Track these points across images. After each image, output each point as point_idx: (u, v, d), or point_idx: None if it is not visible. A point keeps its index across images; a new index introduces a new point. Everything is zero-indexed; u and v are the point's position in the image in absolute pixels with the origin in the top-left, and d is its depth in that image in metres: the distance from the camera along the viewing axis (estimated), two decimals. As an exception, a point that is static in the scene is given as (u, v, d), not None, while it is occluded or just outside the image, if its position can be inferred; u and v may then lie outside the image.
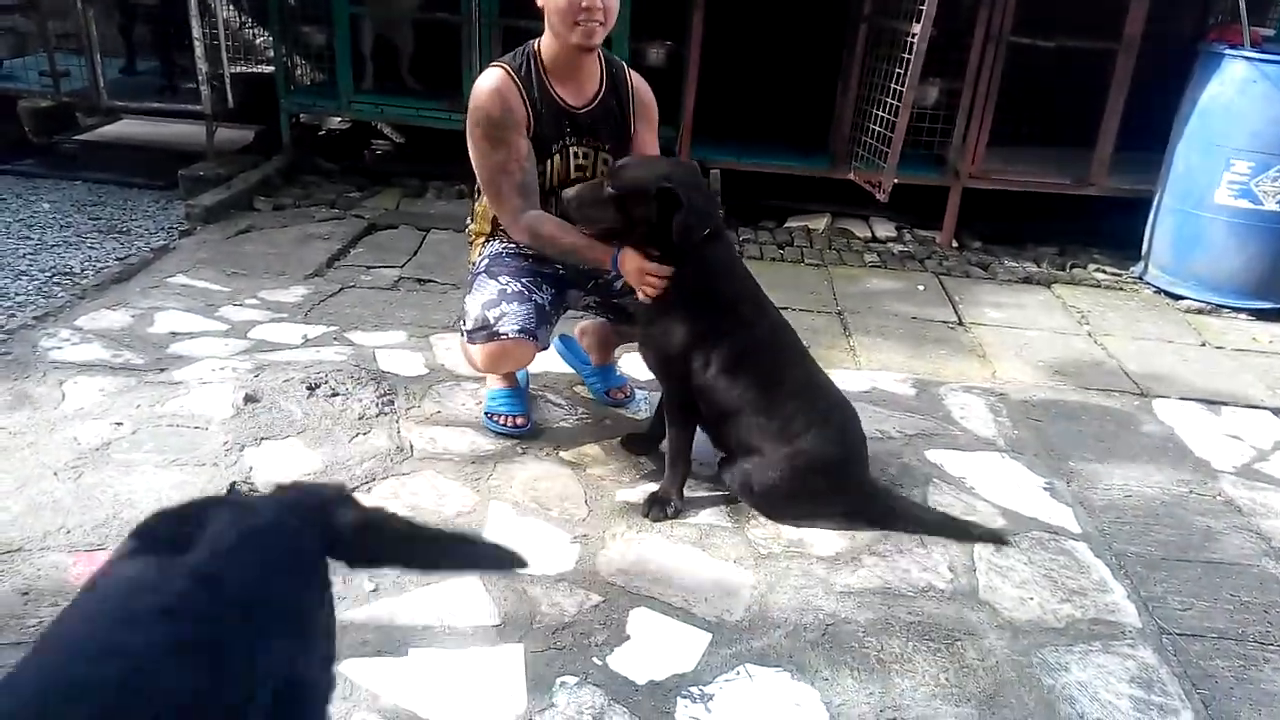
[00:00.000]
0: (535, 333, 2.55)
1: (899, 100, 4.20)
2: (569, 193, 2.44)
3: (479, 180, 2.59)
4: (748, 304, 2.41)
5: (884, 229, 5.11)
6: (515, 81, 2.49)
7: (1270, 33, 4.49)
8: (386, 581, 2.10)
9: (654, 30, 5.09)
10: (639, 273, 2.35)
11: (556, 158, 2.58)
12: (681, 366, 2.37)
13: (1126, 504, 2.66)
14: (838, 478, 2.40)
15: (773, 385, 2.36)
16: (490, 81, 2.48)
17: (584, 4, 2.38)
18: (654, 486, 2.53)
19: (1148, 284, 4.52)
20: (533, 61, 2.52)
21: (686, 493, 2.50)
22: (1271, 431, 3.17)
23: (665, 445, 2.52)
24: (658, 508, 2.42)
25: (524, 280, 2.59)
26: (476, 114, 2.49)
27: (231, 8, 6.02)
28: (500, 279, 2.58)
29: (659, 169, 2.36)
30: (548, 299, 2.62)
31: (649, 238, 2.33)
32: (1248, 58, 4.03)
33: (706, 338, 2.34)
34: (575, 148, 2.60)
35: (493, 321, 2.52)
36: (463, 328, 2.64)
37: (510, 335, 2.51)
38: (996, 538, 2.41)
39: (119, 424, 2.61)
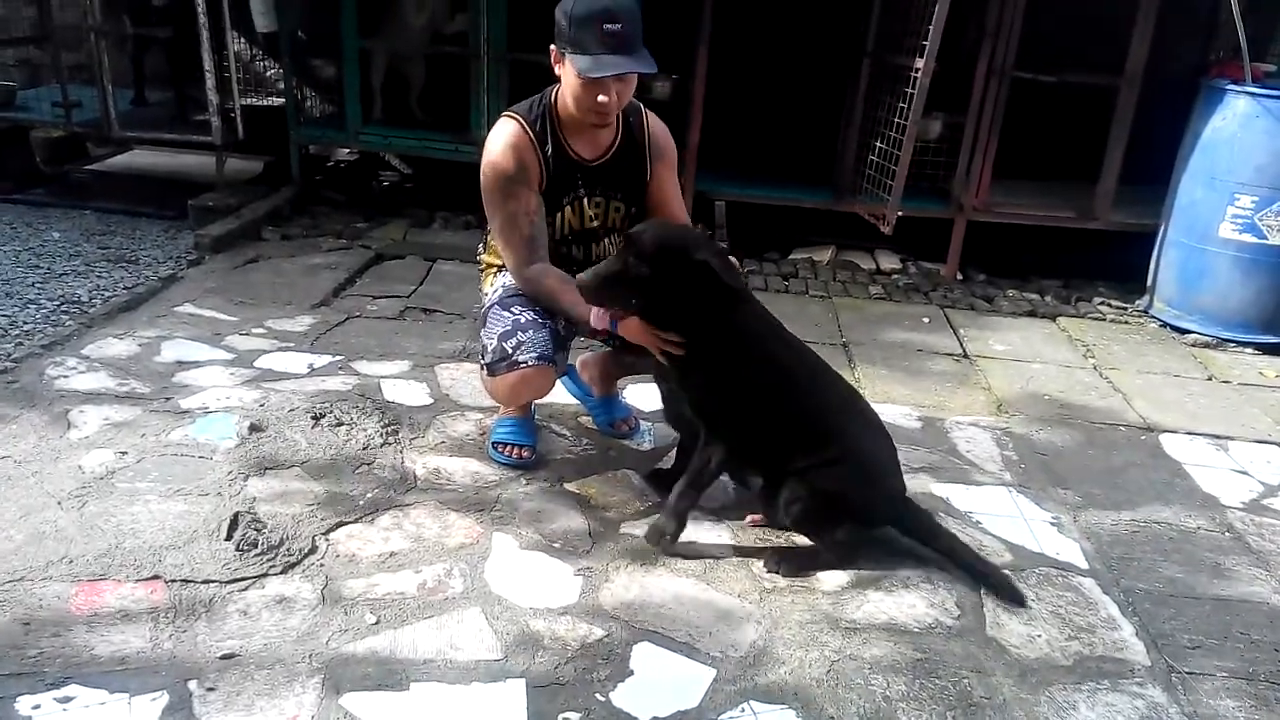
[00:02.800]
0: (554, 358, 2.55)
1: (903, 134, 4.22)
2: (584, 277, 2.27)
3: (492, 230, 2.61)
4: (777, 349, 2.38)
5: (888, 261, 5.12)
6: (529, 135, 2.49)
7: (1271, 68, 4.52)
8: (388, 613, 2.09)
9: (659, 64, 5.12)
10: (648, 337, 2.31)
11: (568, 209, 2.59)
12: (722, 416, 2.34)
13: (1134, 539, 2.64)
14: (884, 486, 2.41)
15: (814, 414, 2.36)
16: (504, 136, 2.48)
17: (598, 105, 2.39)
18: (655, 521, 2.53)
19: (1153, 318, 4.52)
20: (549, 115, 2.52)
21: (693, 527, 2.48)
22: (1279, 467, 3.15)
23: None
24: (655, 534, 2.38)
25: (536, 309, 2.59)
26: (489, 167, 2.49)
27: (243, 40, 6.09)
28: (513, 309, 2.59)
29: (684, 239, 2.28)
30: (561, 325, 2.63)
31: (671, 311, 2.26)
32: (1250, 93, 4.05)
33: (741, 387, 2.31)
34: (587, 198, 2.61)
35: (511, 351, 2.52)
36: (482, 361, 2.63)
37: (530, 363, 2.51)
38: (1015, 597, 2.31)
39: (124, 453, 2.61)
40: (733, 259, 2.42)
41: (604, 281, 2.25)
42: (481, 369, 2.66)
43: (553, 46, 2.43)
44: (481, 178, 2.54)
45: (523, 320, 2.56)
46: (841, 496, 2.32)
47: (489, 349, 2.58)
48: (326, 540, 2.33)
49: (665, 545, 2.37)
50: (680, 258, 2.19)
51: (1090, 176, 4.84)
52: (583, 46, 2.31)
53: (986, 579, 2.35)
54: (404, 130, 5.39)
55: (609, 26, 2.29)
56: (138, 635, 1.97)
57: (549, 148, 2.51)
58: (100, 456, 2.59)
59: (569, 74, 2.39)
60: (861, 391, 3.42)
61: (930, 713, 1.94)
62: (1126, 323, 4.51)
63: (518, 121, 2.50)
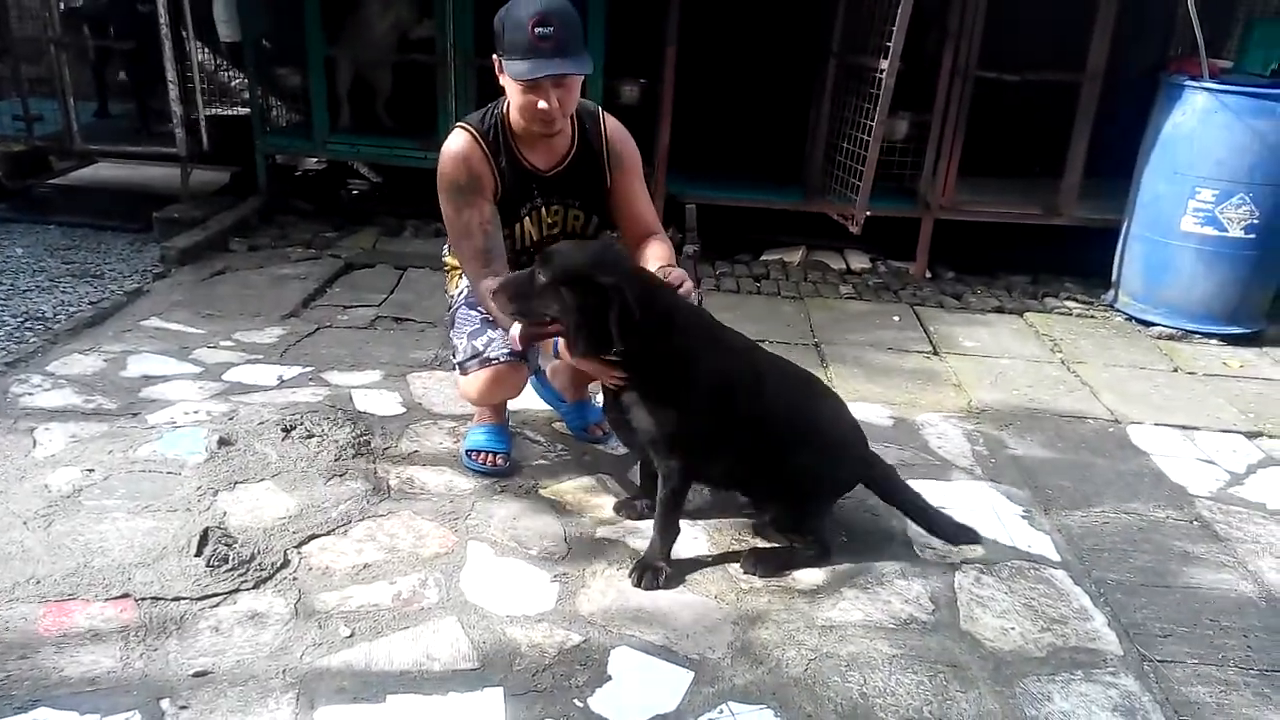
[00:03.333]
0: (524, 355, 2.54)
1: (869, 134, 4.26)
2: (489, 283, 2.26)
3: (449, 238, 2.60)
4: (718, 364, 2.25)
5: (858, 261, 5.16)
6: (481, 146, 2.47)
7: (1228, 64, 4.60)
8: (363, 626, 2.08)
9: (627, 68, 5.15)
10: (589, 364, 2.24)
11: (526, 220, 2.58)
12: (679, 442, 2.24)
13: (1104, 531, 2.68)
14: (850, 454, 2.47)
15: (771, 415, 2.32)
16: (456, 146, 2.47)
17: (539, 112, 2.36)
18: (633, 524, 2.53)
19: (1119, 311, 4.58)
20: (500, 126, 2.50)
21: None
22: (1245, 455, 3.20)
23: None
24: (649, 575, 2.27)
25: None
26: (443, 179, 2.48)
27: (206, 50, 6.04)
28: (480, 308, 2.58)
29: (589, 256, 2.15)
30: None
31: (594, 337, 2.11)
32: (1208, 89, 4.12)
33: (694, 412, 2.21)
34: (544, 208, 2.60)
35: (482, 349, 2.52)
36: (453, 361, 2.62)
37: (502, 359, 2.50)
38: (970, 538, 2.54)
39: (90, 470, 2.58)
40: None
41: (514, 291, 2.16)
42: (453, 370, 2.65)
43: (494, 56, 2.41)
44: (438, 190, 2.52)
45: (491, 317, 2.55)
46: (817, 487, 2.40)
47: (459, 349, 2.58)
48: (299, 553, 2.31)
49: (661, 583, 2.27)
50: (585, 283, 2.07)
51: (1055, 173, 4.90)
52: (517, 51, 2.30)
53: (939, 529, 2.53)
54: (372, 138, 5.37)
55: (541, 30, 2.26)
56: (108, 655, 1.94)
57: (502, 159, 2.49)
58: (67, 474, 2.55)
59: (509, 80, 2.37)
60: (834, 390, 3.45)
61: (907, 708, 1.95)
62: (1093, 317, 4.57)
63: (469, 132, 2.48)
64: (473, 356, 2.53)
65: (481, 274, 2.47)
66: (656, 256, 2.53)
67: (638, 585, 2.27)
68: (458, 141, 2.48)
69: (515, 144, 2.51)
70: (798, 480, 2.35)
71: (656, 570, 2.29)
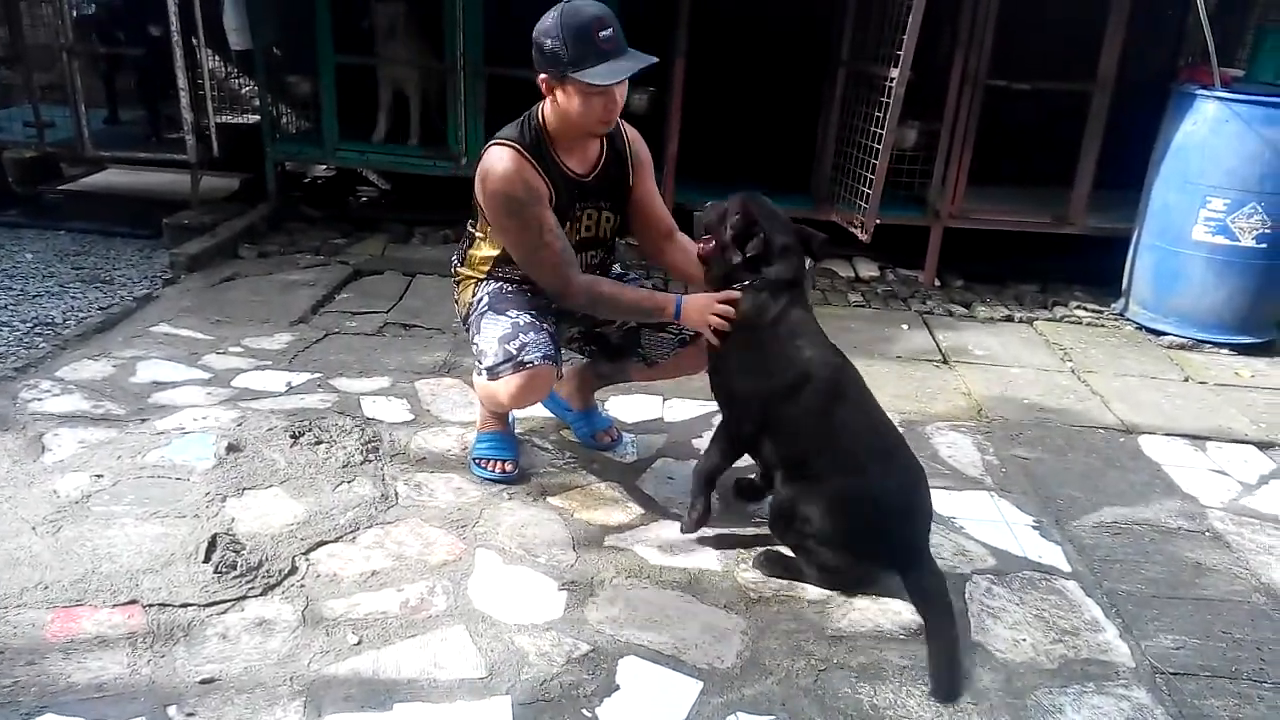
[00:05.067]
0: (557, 359, 2.54)
1: (879, 142, 4.25)
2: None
3: (517, 259, 2.56)
4: (815, 346, 2.37)
5: (867, 269, 5.15)
6: (529, 159, 2.46)
7: (1239, 73, 4.58)
8: (370, 633, 2.07)
9: (637, 77, 5.14)
10: (705, 312, 2.42)
11: (567, 224, 2.58)
12: (744, 403, 2.40)
13: (1116, 542, 2.66)
14: (895, 523, 2.25)
15: (838, 427, 2.29)
16: (505, 163, 2.44)
17: (605, 112, 2.41)
18: (642, 531, 2.53)
19: (1129, 320, 4.56)
20: (541, 137, 2.50)
21: (672, 536, 2.50)
22: (1257, 466, 3.18)
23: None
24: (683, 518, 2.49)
25: (531, 312, 2.57)
26: (498, 197, 2.45)
27: (217, 58, 6.07)
28: (509, 313, 2.57)
29: (758, 206, 2.50)
30: (555, 328, 2.63)
31: (730, 266, 2.45)
32: (1220, 98, 4.11)
33: (771, 376, 2.34)
34: (584, 213, 2.61)
35: (516, 353, 2.49)
36: (480, 366, 2.58)
37: (536, 362, 2.48)
38: (947, 694, 2.02)
39: (99, 476, 2.58)
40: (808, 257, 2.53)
41: (717, 217, 2.53)
42: (479, 375, 2.62)
43: (543, 76, 2.40)
44: (491, 211, 2.50)
45: (522, 323, 2.53)
46: (821, 517, 2.24)
47: (488, 353, 2.53)
48: (307, 560, 2.31)
49: (688, 526, 2.49)
50: (750, 228, 2.42)
51: (1065, 182, 4.89)
52: (587, 61, 2.31)
53: (941, 666, 2.07)
54: (382, 146, 5.38)
55: (604, 33, 2.31)
56: (115, 661, 1.94)
57: (549, 168, 2.49)
58: (75, 480, 2.55)
59: (574, 93, 2.37)
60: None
61: (918, 719, 1.94)
62: (1103, 326, 4.55)
63: (513, 148, 2.46)
64: (505, 360, 2.50)
65: (571, 275, 2.50)
66: (693, 254, 2.64)
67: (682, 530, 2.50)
68: (505, 158, 2.44)
69: (555, 150, 2.52)
70: (806, 499, 2.27)
71: (684, 516, 2.50)
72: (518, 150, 2.46)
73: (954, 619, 2.16)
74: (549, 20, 2.35)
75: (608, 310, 2.62)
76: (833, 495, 2.24)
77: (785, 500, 2.33)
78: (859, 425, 2.33)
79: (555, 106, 2.45)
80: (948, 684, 2.02)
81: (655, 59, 2.41)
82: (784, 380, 2.32)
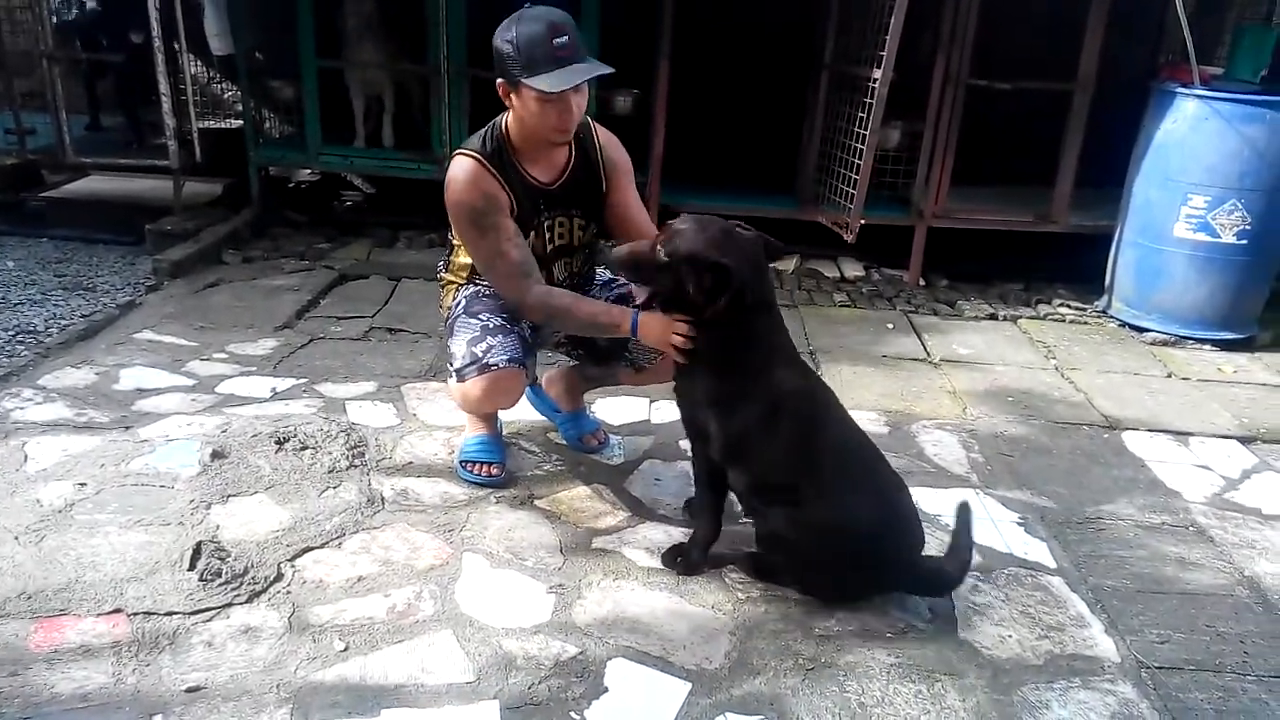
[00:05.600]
0: (523, 361, 2.54)
1: (863, 143, 4.27)
2: (618, 251, 2.35)
3: (479, 269, 2.58)
4: (785, 369, 2.27)
5: (852, 269, 5.16)
6: (489, 169, 2.46)
7: (1218, 71, 4.62)
8: (357, 639, 2.06)
9: (621, 79, 5.13)
10: (666, 331, 2.28)
11: (533, 234, 2.57)
12: (707, 425, 2.26)
13: (1100, 537, 2.67)
14: (881, 549, 2.21)
15: (811, 451, 2.20)
16: (465, 173, 2.45)
17: (561, 120, 2.39)
18: (630, 534, 2.53)
19: (1112, 317, 4.59)
20: (502, 146, 2.50)
21: (660, 538, 2.49)
22: (1239, 461, 3.20)
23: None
24: (682, 560, 2.38)
25: (503, 315, 2.59)
26: (458, 208, 2.46)
27: (199, 63, 6.04)
28: (481, 316, 2.58)
29: (713, 237, 2.21)
30: (528, 331, 2.64)
31: (690, 307, 2.22)
32: (1200, 96, 4.14)
33: (738, 400, 2.22)
34: (551, 221, 2.60)
35: (481, 355, 2.50)
36: (450, 368, 2.60)
37: (501, 365, 2.49)
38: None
39: (82, 484, 2.56)
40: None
41: (632, 260, 2.30)
42: (450, 378, 2.63)
43: (500, 81, 2.41)
44: (453, 221, 2.52)
45: (491, 325, 2.55)
46: (826, 564, 2.22)
47: (457, 356, 2.55)
48: (292, 567, 2.30)
49: (685, 569, 2.37)
50: (705, 256, 2.17)
51: (1048, 181, 4.91)
52: (539, 68, 2.31)
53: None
54: (365, 150, 5.36)
55: (559, 40, 2.30)
56: (100, 671, 1.92)
57: (511, 177, 2.49)
58: (59, 489, 2.53)
59: (528, 100, 2.37)
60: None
61: (905, 717, 1.94)
62: (1086, 323, 4.58)
63: (473, 158, 2.47)
64: (471, 363, 2.51)
65: (527, 286, 2.47)
66: None
67: (669, 567, 2.39)
68: (465, 168, 2.46)
69: (519, 161, 2.52)
70: (776, 527, 2.23)
71: (683, 557, 2.39)
72: (478, 160, 2.46)
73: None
74: (505, 26, 2.36)
75: (562, 324, 2.58)
76: (820, 524, 2.16)
77: (772, 530, 2.25)
78: (839, 450, 2.25)
79: (514, 114, 2.45)
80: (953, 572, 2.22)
81: (610, 69, 2.39)
82: (755, 412, 2.20)
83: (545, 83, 2.31)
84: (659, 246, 2.23)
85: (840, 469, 2.22)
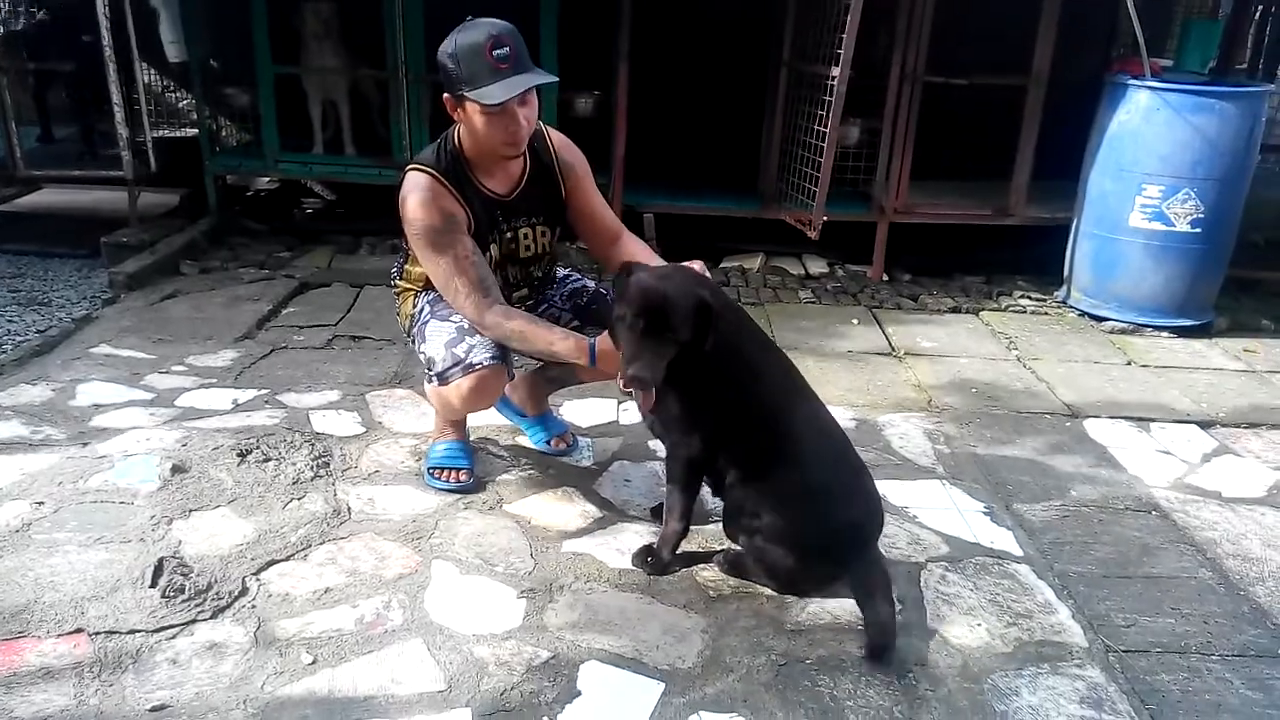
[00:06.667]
0: (504, 358, 2.51)
1: (823, 141, 4.30)
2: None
3: (436, 286, 2.52)
4: (748, 367, 2.26)
5: (816, 266, 5.19)
6: (444, 184, 2.43)
7: (1169, 63, 4.71)
8: (325, 652, 2.04)
9: (581, 81, 5.15)
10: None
11: (493, 245, 2.55)
12: (687, 425, 2.27)
13: (1065, 524, 2.71)
14: (842, 515, 2.26)
15: (781, 442, 2.23)
16: (421, 191, 2.41)
17: (510, 133, 2.36)
18: (601, 535, 2.52)
19: (1071, 307, 4.66)
20: (456, 160, 2.47)
21: (631, 539, 2.49)
22: (1199, 445, 3.26)
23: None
24: (653, 560, 2.37)
25: None
26: (416, 225, 2.41)
27: (153, 71, 5.94)
28: (453, 318, 2.54)
29: (679, 283, 2.15)
30: None
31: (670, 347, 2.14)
32: (1151, 87, 4.21)
33: (708, 399, 2.23)
34: (509, 230, 2.58)
35: (464, 355, 2.47)
36: (429, 373, 2.56)
37: (485, 363, 2.45)
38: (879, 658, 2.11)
39: (40, 503, 2.51)
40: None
41: (656, 365, 2.12)
42: (429, 382, 2.59)
43: (446, 96, 2.38)
44: (409, 238, 2.47)
45: (466, 325, 2.51)
46: (770, 514, 2.23)
47: (437, 359, 2.50)
48: (257, 580, 2.26)
49: (656, 570, 2.37)
50: (704, 312, 2.10)
51: (1005, 175, 4.98)
52: (480, 80, 2.28)
53: (872, 638, 2.13)
54: (325, 156, 5.31)
55: (498, 51, 2.27)
56: (61, 693, 1.88)
57: (468, 192, 2.46)
58: (15, 508, 2.48)
59: (473, 114, 2.34)
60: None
61: (878, 709, 1.95)
62: (1046, 314, 4.64)
63: (428, 174, 2.43)
64: (454, 364, 2.47)
65: (484, 306, 2.42)
66: (645, 256, 2.53)
67: (637, 565, 2.39)
68: (421, 185, 2.41)
69: (474, 174, 2.49)
70: (767, 502, 2.24)
71: (654, 556, 2.37)
72: (433, 177, 2.43)
73: (893, 606, 2.17)
74: (448, 39, 2.33)
75: (515, 346, 2.50)
76: (782, 493, 2.22)
77: (736, 500, 2.30)
78: (807, 424, 2.30)
79: (465, 128, 2.43)
80: (878, 644, 2.10)
81: (554, 77, 2.38)
82: (728, 396, 2.23)
83: (488, 95, 2.28)
84: (664, 333, 2.11)
85: (810, 442, 2.28)
